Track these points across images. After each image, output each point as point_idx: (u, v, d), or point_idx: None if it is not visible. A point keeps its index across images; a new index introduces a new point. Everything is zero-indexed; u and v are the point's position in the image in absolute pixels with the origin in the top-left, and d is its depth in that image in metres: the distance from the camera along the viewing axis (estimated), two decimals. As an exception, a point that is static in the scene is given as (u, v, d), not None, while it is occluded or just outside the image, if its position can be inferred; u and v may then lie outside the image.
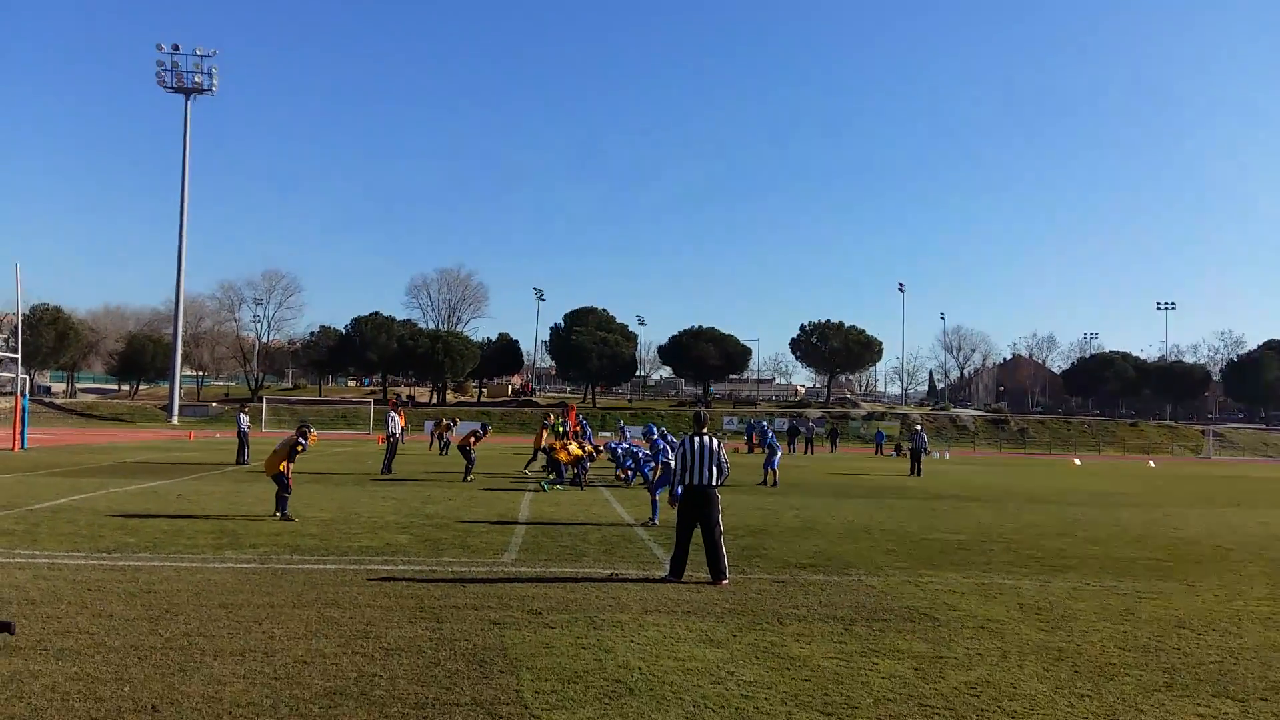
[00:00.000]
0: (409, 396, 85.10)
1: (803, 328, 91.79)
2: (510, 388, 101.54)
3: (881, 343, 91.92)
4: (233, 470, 23.08)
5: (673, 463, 9.81)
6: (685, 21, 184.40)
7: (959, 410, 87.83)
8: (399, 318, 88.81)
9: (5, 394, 50.34)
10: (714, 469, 9.43)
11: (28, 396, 39.11)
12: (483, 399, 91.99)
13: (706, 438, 9.58)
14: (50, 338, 76.20)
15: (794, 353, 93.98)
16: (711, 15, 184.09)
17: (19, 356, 36.25)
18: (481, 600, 7.99)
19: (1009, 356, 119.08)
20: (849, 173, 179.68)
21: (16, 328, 40.83)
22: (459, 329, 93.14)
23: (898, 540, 13.12)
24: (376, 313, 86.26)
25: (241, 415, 28.13)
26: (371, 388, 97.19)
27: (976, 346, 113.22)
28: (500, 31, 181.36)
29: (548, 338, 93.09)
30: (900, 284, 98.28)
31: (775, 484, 23.26)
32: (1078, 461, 51.49)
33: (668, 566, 9.69)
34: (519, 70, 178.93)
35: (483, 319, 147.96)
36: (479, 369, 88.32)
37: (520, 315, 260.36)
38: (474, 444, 22.20)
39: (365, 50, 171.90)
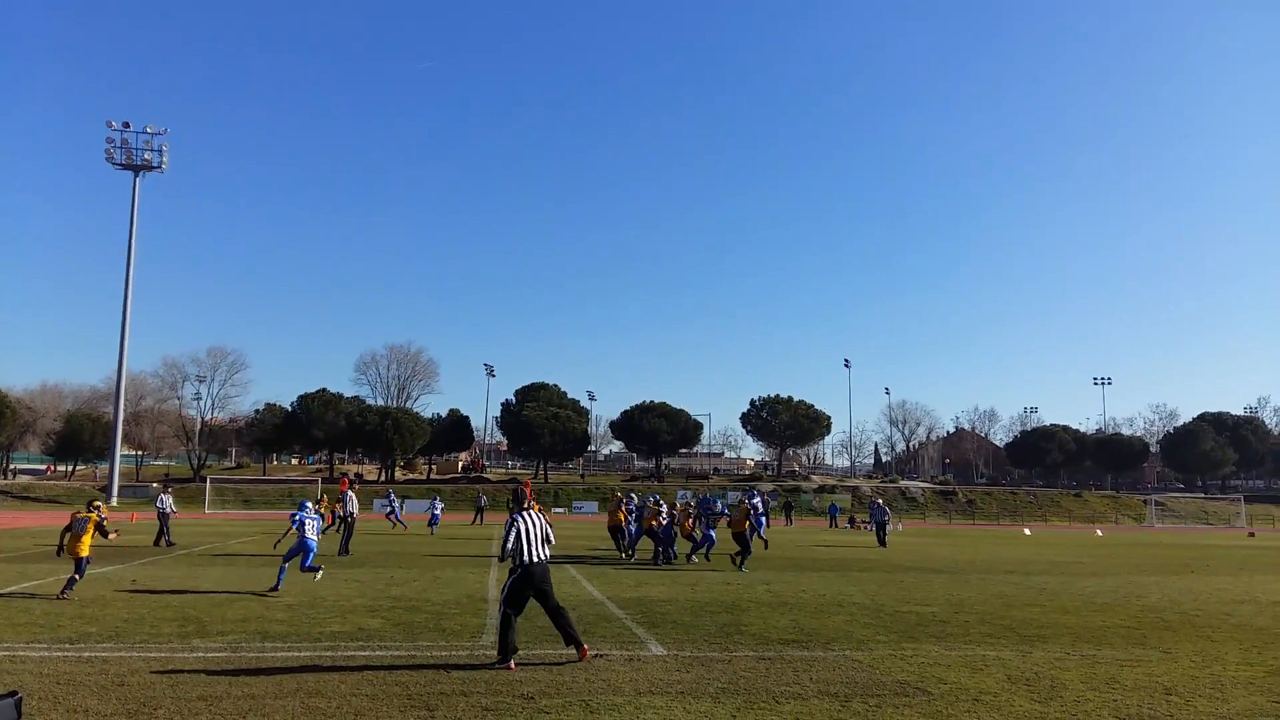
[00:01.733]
0: (357, 474, 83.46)
1: (753, 402, 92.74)
2: (460, 464, 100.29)
3: (830, 417, 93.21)
4: (184, 553, 22.30)
5: (511, 541, 9.24)
6: (637, 95, 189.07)
7: (907, 483, 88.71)
8: (347, 394, 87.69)
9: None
10: (545, 545, 9.28)
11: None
12: (432, 475, 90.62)
13: (534, 514, 9.41)
14: (-16, 417, 73.77)
15: (744, 427, 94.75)
16: (658, 81, 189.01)
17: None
18: (469, 686, 7.78)
19: (952, 430, 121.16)
20: (797, 252, 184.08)
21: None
22: (409, 405, 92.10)
23: (873, 613, 13.12)
24: (324, 389, 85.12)
25: (164, 495, 26.80)
26: (317, 466, 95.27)
27: (921, 420, 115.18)
28: (449, 105, 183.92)
29: (499, 413, 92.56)
30: (846, 360, 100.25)
31: (694, 559, 22.21)
32: (1028, 531, 52.20)
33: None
34: (469, 145, 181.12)
35: (433, 395, 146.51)
36: (429, 445, 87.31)
37: (470, 391, 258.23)
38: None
39: (314, 123, 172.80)
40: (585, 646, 9.17)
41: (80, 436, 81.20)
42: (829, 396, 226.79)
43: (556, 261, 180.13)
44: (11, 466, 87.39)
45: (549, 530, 9.43)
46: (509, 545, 9.10)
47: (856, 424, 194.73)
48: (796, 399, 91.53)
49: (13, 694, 3.39)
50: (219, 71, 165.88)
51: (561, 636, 9.14)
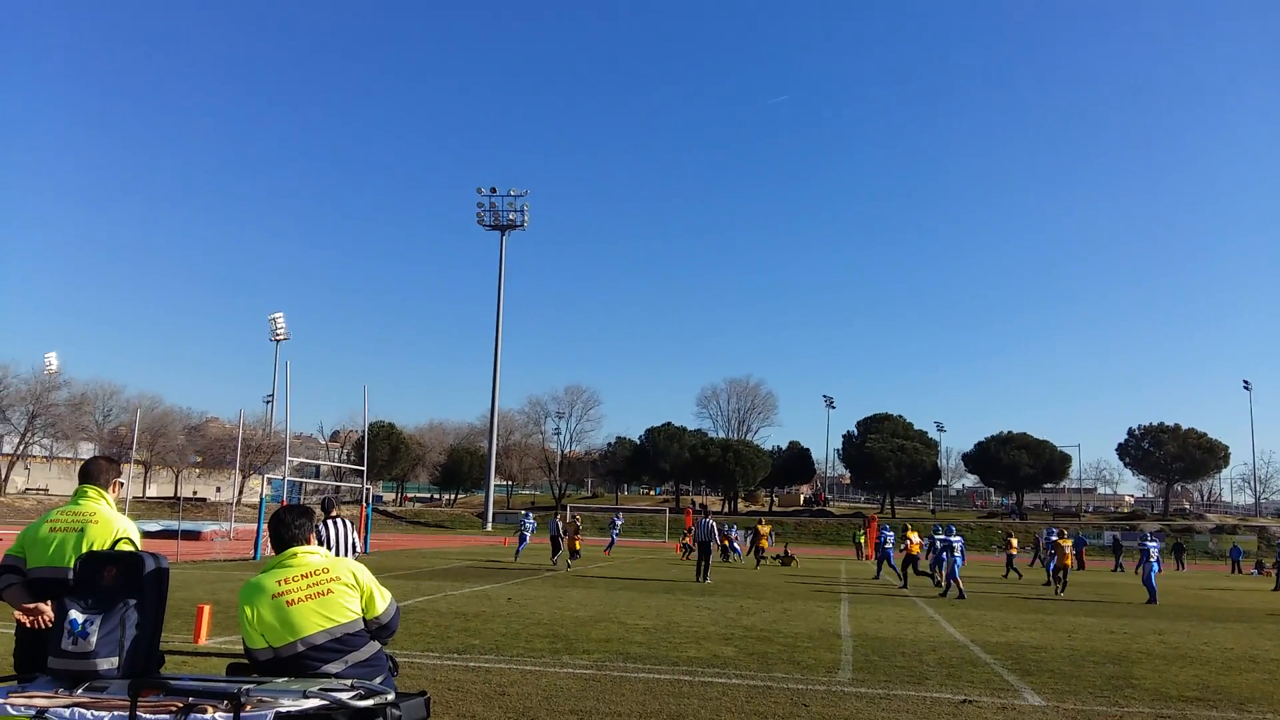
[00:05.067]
0: (701, 504, 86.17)
1: (1131, 432, 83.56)
2: (802, 497, 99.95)
3: (1227, 447, 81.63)
4: (549, 575, 24.06)
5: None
6: (999, 107, 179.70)
7: (1331, 522, 74.94)
8: (690, 427, 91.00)
9: (345, 502, 56.55)
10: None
11: (370, 505, 43.63)
12: (774, 508, 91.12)
13: (339, 521, 10.11)
14: (385, 452, 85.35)
15: (1121, 459, 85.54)
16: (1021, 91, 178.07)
17: (364, 469, 40.75)
18: (829, 722, 7.43)
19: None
20: (1180, 255, 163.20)
21: (363, 442, 46.07)
22: (749, 438, 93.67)
23: (1300, 674, 11.02)
24: (669, 423, 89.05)
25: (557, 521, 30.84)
26: (664, 496, 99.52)
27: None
28: (797, 132, 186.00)
29: (839, 445, 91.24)
30: (1246, 382, 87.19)
31: (951, 593, 21.81)
32: None
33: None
34: (809, 199, 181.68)
35: (772, 427, 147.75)
36: (769, 478, 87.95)
37: (810, 423, 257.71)
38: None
39: (650, 184, 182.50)
40: None
41: (460, 468, 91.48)
42: (1226, 423, 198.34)
43: (895, 288, 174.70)
44: (405, 496, 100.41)
45: (356, 540, 10.44)
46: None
47: (1261, 454, 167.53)
48: (1185, 427, 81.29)
49: (423, 693, 3.63)
50: (560, 124, 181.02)
51: None
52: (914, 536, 25.39)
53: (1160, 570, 23.29)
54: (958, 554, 22.34)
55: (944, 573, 22.81)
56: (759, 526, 36.03)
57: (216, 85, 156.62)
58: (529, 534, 34.16)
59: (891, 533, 28.79)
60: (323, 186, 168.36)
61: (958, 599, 20.90)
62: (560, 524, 30.57)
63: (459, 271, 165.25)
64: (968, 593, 22.07)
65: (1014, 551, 31.78)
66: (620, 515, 47.06)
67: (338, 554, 8.20)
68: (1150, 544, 23.81)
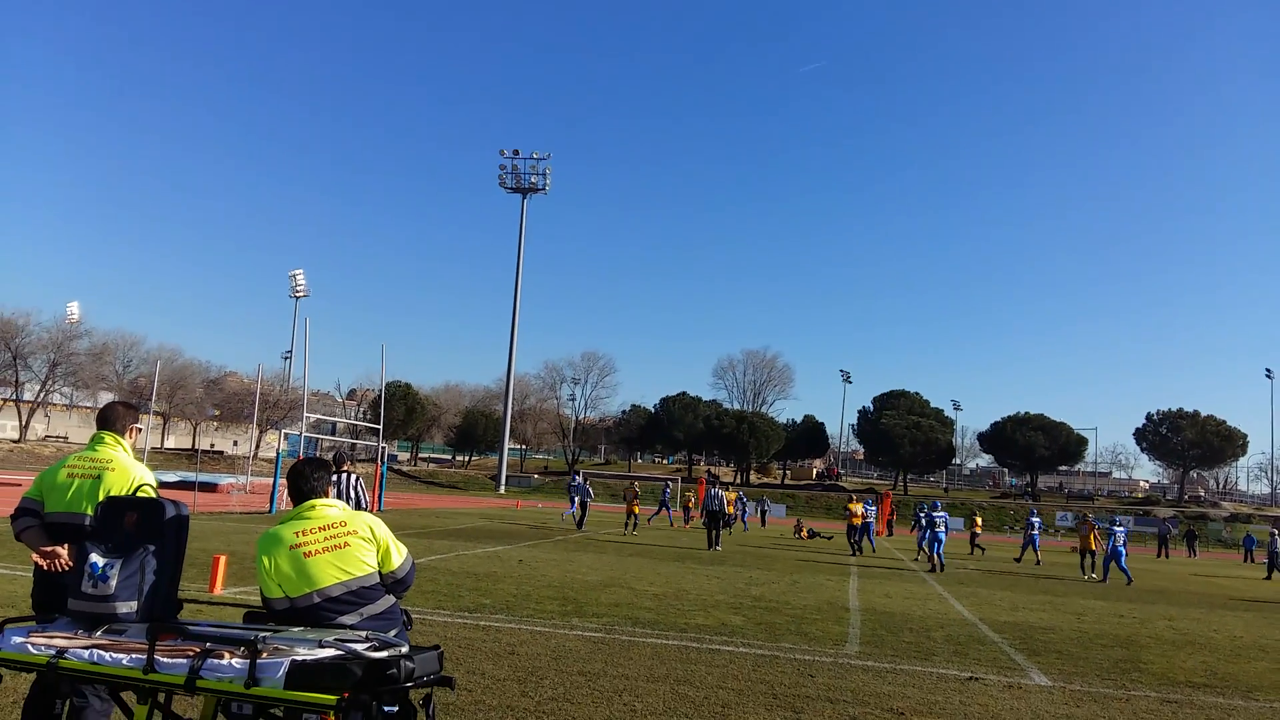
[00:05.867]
0: (714, 475, 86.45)
1: (1149, 417, 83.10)
2: (815, 471, 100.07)
3: (1246, 435, 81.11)
4: (561, 540, 24.24)
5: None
6: (1010, 97, 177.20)
7: (1348, 515, 74.41)
8: (705, 398, 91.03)
9: (360, 460, 57.02)
10: None
11: (385, 464, 43.95)
12: (786, 481, 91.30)
13: (349, 476, 11.30)
14: (401, 411, 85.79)
15: (1138, 444, 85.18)
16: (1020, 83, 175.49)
17: (380, 427, 41.02)
18: (834, 693, 7.46)
19: None
20: (1200, 240, 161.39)
21: (380, 400, 46.33)
22: (763, 410, 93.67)
23: (1308, 664, 11.01)
24: (684, 393, 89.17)
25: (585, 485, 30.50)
26: (676, 465, 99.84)
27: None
28: (821, 106, 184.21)
29: (854, 421, 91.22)
30: (1268, 370, 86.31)
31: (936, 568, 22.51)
32: None
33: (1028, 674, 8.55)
34: (831, 172, 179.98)
35: (787, 400, 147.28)
36: (783, 451, 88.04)
37: (825, 398, 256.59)
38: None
39: (675, 151, 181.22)
40: None
41: (475, 430, 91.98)
42: (1246, 412, 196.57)
43: (916, 264, 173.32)
44: (420, 456, 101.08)
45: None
46: None
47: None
48: (1204, 414, 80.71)
49: (436, 647, 3.67)
50: (586, 87, 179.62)
51: None
52: (856, 508, 27.62)
53: (1125, 554, 23.86)
54: (940, 529, 22.96)
55: (927, 546, 23.74)
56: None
57: (242, 36, 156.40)
58: (589, 499, 30.50)
59: (873, 507, 30.84)
60: (346, 145, 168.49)
61: (928, 571, 22.08)
62: (590, 490, 30.50)
63: (479, 234, 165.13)
64: (964, 571, 22.77)
65: (978, 530, 32.07)
66: (670, 484, 46.59)
67: None
68: (1117, 529, 24.45)
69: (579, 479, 31.34)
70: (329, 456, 18.44)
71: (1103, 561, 23.94)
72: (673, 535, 30.62)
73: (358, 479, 11.80)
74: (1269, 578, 30.02)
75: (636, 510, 29.54)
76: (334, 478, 11.33)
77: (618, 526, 31.62)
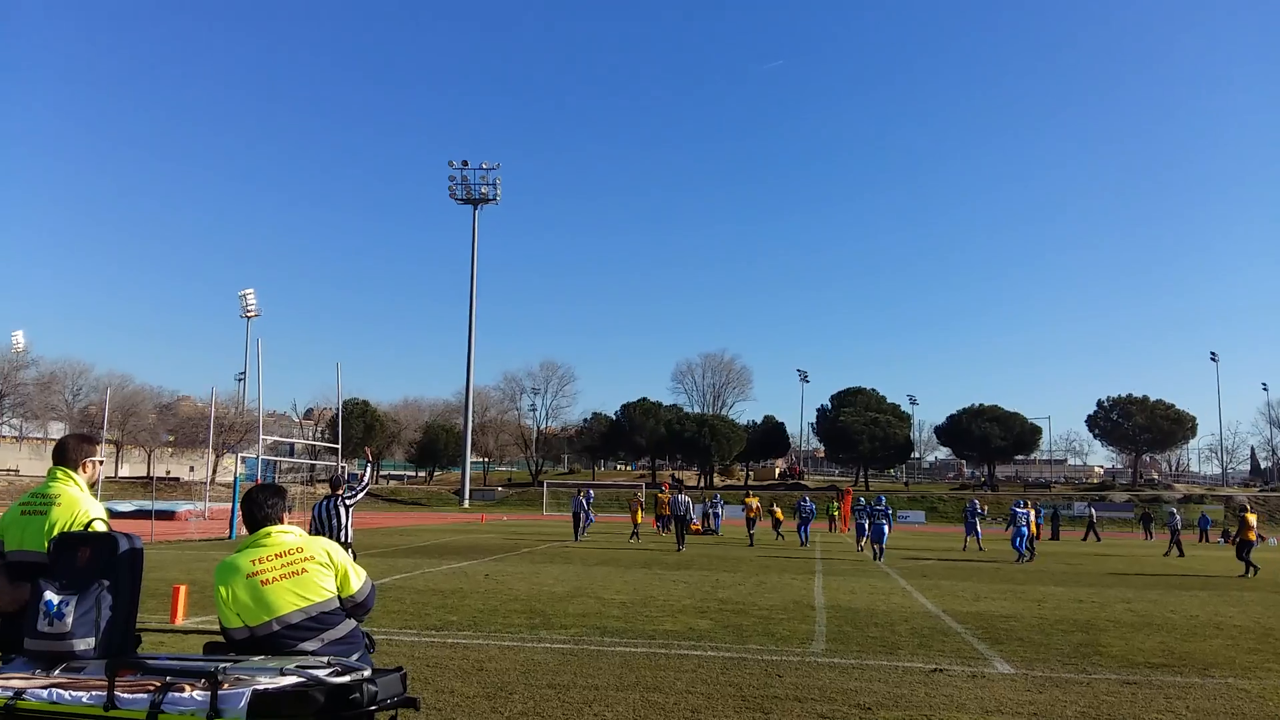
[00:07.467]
0: (677, 481, 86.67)
1: (1100, 404, 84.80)
2: (777, 470, 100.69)
3: (1195, 418, 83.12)
4: (528, 552, 24.15)
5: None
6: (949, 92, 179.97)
7: (1294, 491, 76.53)
8: (665, 403, 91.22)
9: (321, 481, 56.36)
10: None
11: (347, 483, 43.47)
12: (749, 482, 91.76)
13: (341, 507, 11.64)
14: (359, 429, 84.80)
15: (1091, 431, 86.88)
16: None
17: (339, 446, 40.63)
18: (802, 692, 7.55)
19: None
20: (1146, 228, 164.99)
21: (337, 420, 45.85)
22: (724, 413, 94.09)
23: (1260, 638, 11.33)
24: (644, 398, 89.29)
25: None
26: (640, 471, 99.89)
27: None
28: (762, 111, 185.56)
29: (814, 419, 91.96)
30: (1213, 353, 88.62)
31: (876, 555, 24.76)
32: None
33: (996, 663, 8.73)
34: (776, 166, 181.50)
35: (747, 402, 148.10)
36: (745, 452, 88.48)
37: (784, 398, 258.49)
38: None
39: (625, 153, 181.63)
40: None
41: (436, 445, 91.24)
42: (1193, 395, 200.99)
43: (867, 262, 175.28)
44: (381, 473, 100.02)
45: None
46: None
47: (1228, 425, 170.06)
48: (1153, 399, 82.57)
49: (399, 669, 3.69)
50: (533, 95, 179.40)
51: None
52: (752, 502, 31.73)
53: (1027, 535, 25.76)
54: (881, 521, 25.17)
55: (869, 538, 25.98)
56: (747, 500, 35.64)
57: (180, 67, 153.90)
58: (584, 511, 29.93)
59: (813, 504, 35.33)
60: (291, 160, 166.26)
61: (874, 558, 24.30)
62: (585, 501, 30.00)
63: (432, 247, 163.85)
64: (926, 563, 23.90)
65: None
66: (719, 496, 46.64)
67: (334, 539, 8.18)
68: (1019, 510, 26.44)
69: (580, 495, 30.67)
70: (326, 479, 18.31)
71: (1015, 542, 25.81)
72: (640, 542, 30.61)
73: (339, 500, 11.92)
74: (1168, 554, 31.29)
75: (639, 520, 29.33)
76: (327, 504, 11.83)
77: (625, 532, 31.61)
